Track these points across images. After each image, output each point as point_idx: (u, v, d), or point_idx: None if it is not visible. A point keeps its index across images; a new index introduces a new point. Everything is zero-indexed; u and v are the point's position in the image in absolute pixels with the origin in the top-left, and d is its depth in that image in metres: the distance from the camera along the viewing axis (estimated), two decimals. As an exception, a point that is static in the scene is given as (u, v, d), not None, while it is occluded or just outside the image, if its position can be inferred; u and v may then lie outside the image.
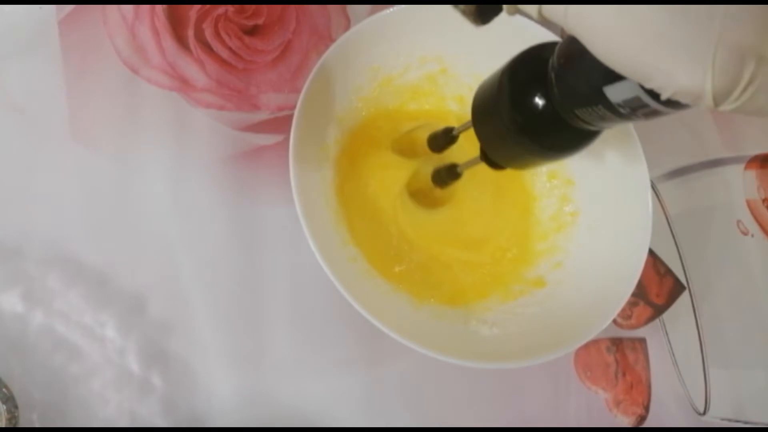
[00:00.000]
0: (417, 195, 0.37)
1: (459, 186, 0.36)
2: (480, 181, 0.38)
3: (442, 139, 0.34)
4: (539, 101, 0.24)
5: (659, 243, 0.42)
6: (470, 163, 0.31)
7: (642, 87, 0.19)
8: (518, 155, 0.27)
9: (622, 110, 0.21)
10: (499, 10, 0.21)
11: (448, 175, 0.34)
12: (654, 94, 0.19)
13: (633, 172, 0.35)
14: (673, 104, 0.19)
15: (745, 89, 0.16)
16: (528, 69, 0.24)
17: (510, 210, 0.39)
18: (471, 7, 0.22)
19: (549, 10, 0.19)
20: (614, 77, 0.19)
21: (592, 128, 0.24)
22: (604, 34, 0.18)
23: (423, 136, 0.36)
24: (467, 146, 0.34)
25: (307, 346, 0.35)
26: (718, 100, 0.17)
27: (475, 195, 0.38)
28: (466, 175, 0.34)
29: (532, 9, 0.19)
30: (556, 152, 0.26)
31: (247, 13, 0.38)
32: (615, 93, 0.20)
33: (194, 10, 0.38)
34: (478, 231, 0.38)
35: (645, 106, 0.20)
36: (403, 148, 0.37)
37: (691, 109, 0.19)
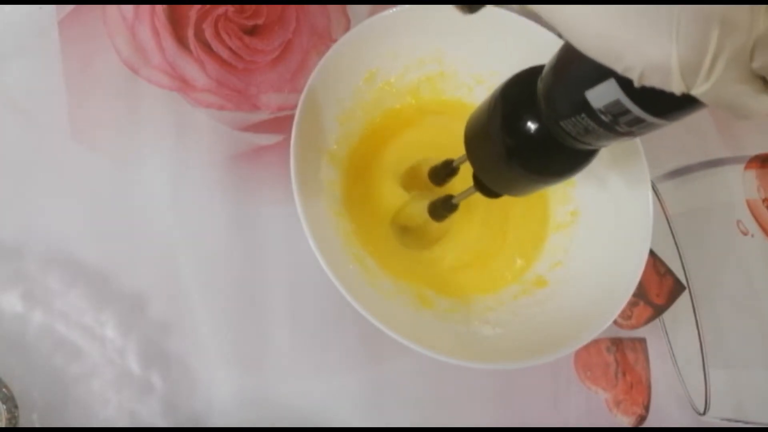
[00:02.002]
0: (406, 232, 0.37)
1: (455, 220, 0.36)
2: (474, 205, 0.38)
3: (443, 171, 0.34)
4: (530, 123, 0.24)
5: (659, 243, 0.42)
6: (466, 194, 0.31)
7: (620, 87, 0.19)
8: (512, 180, 0.27)
9: (604, 117, 0.20)
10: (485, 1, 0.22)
11: (444, 207, 0.34)
12: (633, 95, 0.19)
13: (633, 172, 0.35)
14: (650, 107, 0.19)
15: (714, 60, 0.16)
16: (518, 91, 0.24)
17: (518, 220, 0.39)
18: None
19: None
20: (595, 79, 0.19)
21: (583, 146, 0.24)
22: (575, 12, 0.18)
23: (425, 169, 0.36)
24: (469, 179, 0.34)
25: (307, 346, 0.35)
26: (686, 76, 0.16)
27: (474, 219, 0.38)
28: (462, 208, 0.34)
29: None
30: (549, 176, 0.25)
31: (247, 13, 0.38)
32: (596, 97, 0.20)
33: (194, 10, 0.38)
34: (485, 247, 0.38)
35: (626, 111, 0.19)
36: (405, 182, 0.37)
37: None
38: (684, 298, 0.41)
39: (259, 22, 0.39)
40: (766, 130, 0.47)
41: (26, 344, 0.32)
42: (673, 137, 0.45)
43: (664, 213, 0.43)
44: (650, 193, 0.35)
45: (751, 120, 0.18)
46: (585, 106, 0.21)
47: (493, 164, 0.27)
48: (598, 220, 0.37)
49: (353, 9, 0.41)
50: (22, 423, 0.31)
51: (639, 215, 0.35)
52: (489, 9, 0.36)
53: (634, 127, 0.20)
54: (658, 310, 0.41)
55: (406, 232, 0.37)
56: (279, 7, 0.39)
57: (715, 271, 0.43)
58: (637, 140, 0.35)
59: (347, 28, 0.41)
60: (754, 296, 0.43)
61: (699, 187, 0.44)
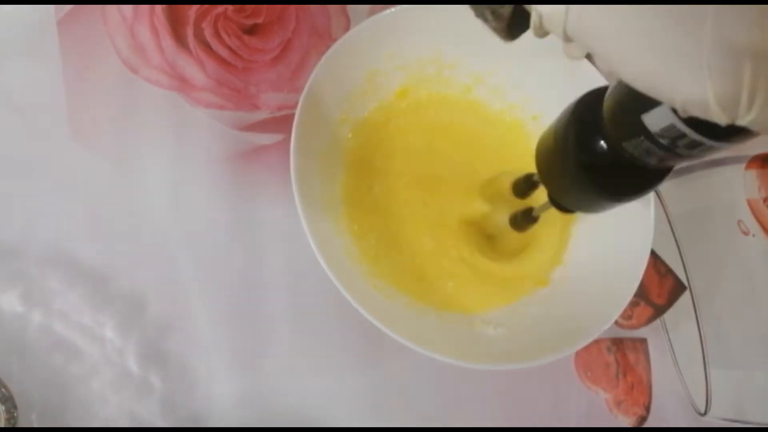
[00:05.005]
0: (489, 242, 0.38)
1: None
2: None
3: (524, 184, 0.34)
4: (600, 142, 0.24)
5: (660, 243, 0.42)
6: (544, 207, 0.32)
7: (673, 112, 0.19)
8: (584, 197, 0.27)
9: (662, 140, 0.21)
10: (527, 28, 0.21)
11: (524, 219, 0.34)
12: (687, 120, 0.19)
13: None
14: (705, 131, 0.19)
15: (753, 93, 0.15)
16: (591, 109, 0.25)
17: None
18: (502, 25, 0.22)
19: (573, 34, 0.18)
20: (649, 104, 0.20)
21: (648, 166, 0.24)
22: (617, 52, 0.17)
23: (506, 182, 0.36)
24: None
25: (307, 346, 0.35)
26: (727, 110, 0.16)
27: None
28: None
29: (557, 29, 0.19)
30: (620, 195, 0.26)
31: (247, 12, 0.38)
32: (652, 121, 0.20)
33: (193, 9, 0.38)
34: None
35: (683, 135, 0.20)
36: (488, 195, 0.38)
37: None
38: (685, 298, 0.41)
39: (259, 21, 0.39)
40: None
41: (25, 344, 0.32)
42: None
43: (665, 213, 0.43)
44: (651, 192, 0.35)
45: None
46: (643, 130, 0.21)
47: (565, 181, 0.27)
48: (598, 220, 0.37)
49: (353, 9, 0.41)
50: (21, 423, 0.31)
51: (640, 215, 0.35)
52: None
53: (695, 150, 0.20)
54: (659, 311, 0.41)
55: (489, 241, 0.38)
56: (278, 6, 0.39)
57: (716, 271, 0.42)
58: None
59: (347, 28, 0.41)
60: (755, 296, 0.43)
61: (700, 186, 0.44)
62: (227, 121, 0.37)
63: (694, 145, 0.20)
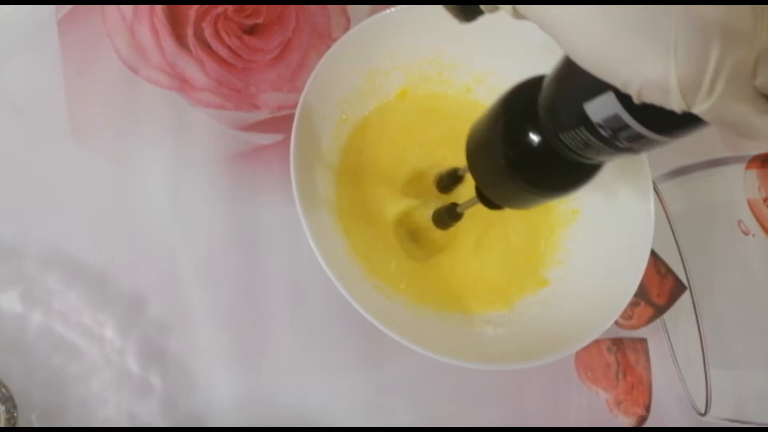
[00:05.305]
0: (413, 240, 0.37)
1: (461, 229, 0.36)
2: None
3: (448, 180, 0.34)
4: (532, 135, 0.23)
5: (660, 243, 0.42)
6: (469, 203, 0.31)
7: (619, 101, 0.18)
8: (513, 193, 0.26)
9: (603, 132, 0.20)
10: (481, 11, 0.21)
11: (448, 215, 0.33)
12: (633, 110, 0.18)
13: (635, 172, 0.35)
14: (650, 123, 0.18)
15: (714, 78, 0.15)
16: (520, 101, 0.24)
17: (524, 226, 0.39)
18: (455, 7, 0.22)
19: (522, 8, 0.18)
20: (593, 92, 0.19)
21: (584, 160, 0.23)
22: (567, 22, 0.17)
23: (431, 177, 0.36)
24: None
25: (307, 346, 0.35)
26: (687, 94, 0.15)
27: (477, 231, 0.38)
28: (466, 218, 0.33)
29: (507, 8, 0.19)
30: (550, 190, 0.25)
31: (247, 12, 0.38)
32: (595, 110, 0.19)
33: (193, 9, 0.37)
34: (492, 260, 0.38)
35: (625, 126, 0.19)
36: (408, 189, 0.37)
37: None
38: (685, 299, 0.41)
39: (259, 21, 0.39)
40: None
41: (25, 344, 0.32)
42: (674, 137, 0.45)
43: (665, 213, 0.43)
44: (651, 192, 0.35)
45: (756, 140, 0.17)
46: (584, 120, 0.20)
47: (494, 176, 0.26)
48: (599, 220, 0.37)
49: (353, 8, 0.41)
50: (21, 423, 0.31)
51: (640, 215, 0.35)
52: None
53: (635, 143, 0.19)
54: (659, 311, 0.41)
55: (412, 239, 0.37)
56: (278, 6, 0.39)
57: (716, 271, 0.42)
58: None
59: (347, 28, 0.41)
60: (755, 296, 0.43)
61: (700, 186, 0.44)
62: (227, 121, 0.37)
63: (635, 138, 0.19)
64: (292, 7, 0.40)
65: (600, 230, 0.37)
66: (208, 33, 0.37)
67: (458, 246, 0.37)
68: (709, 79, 0.15)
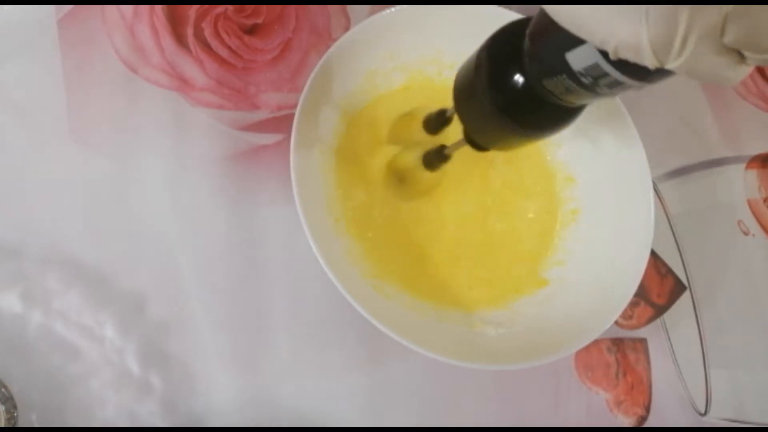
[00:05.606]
0: (401, 177, 0.37)
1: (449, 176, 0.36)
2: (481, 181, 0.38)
3: (436, 121, 0.34)
4: (516, 78, 0.24)
5: (660, 243, 0.42)
6: (457, 145, 0.31)
7: (599, 51, 0.19)
8: (499, 135, 0.27)
9: (584, 79, 0.21)
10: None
11: (436, 157, 0.34)
12: (611, 60, 0.19)
13: (634, 171, 0.35)
14: (629, 72, 0.19)
15: (684, 40, 0.16)
16: (505, 46, 0.24)
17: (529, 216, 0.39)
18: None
19: None
20: (574, 42, 0.20)
21: (566, 104, 0.24)
22: None
23: (418, 120, 0.36)
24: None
25: (307, 346, 0.35)
26: (659, 54, 0.16)
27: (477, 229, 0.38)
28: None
29: None
30: (535, 131, 0.25)
31: (247, 12, 0.38)
32: (576, 59, 0.20)
33: (193, 9, 0.37)
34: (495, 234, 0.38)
35: (605, 74, 0.20)
36: (399, 136, 0.37)
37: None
38: (685, 299, 0.41)
39: (259, 21, 0.39)
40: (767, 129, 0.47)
41: (25, 344, 0.32)
42: (674, 137, 0.45)
43: (665, 213, 0.43)
44: (651, 192, 0.35)
45: (731, 86, 0.19)
46: (565, 68, 0.21)
47: (482, 120, 0.27)
48: (599, 220, 0.37)
49: (353, 8, 0.41)
50: (21, 423, 0.31)
51: (640, 215, 0.35)
52: (488, 7, 0.36)
53: (615, 88, 0.20)
54: (659, 311, 0.41)
55: (400, 181, 0.37)
56: (278, 6, 0.39)
57: (716, 271, 0.42)
58: (639, 140, 0.35)
59: (347, 28, 0.41)
60: (756, 296, 0.43)
61: (700, 186, 0.44)
62: (227, 121, 0.37)
63: (615, 84, 0.20)
64: (292, 7, 0.40)
65: (600, 230, 0.37)
66: (208, 33, 0.37)
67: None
68: (680, 41, 0.16)
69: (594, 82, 0.20)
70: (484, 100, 0.25)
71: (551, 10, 0.19)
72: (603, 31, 0.17)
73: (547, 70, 0.22)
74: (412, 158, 0.36)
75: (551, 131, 0.26)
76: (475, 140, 0.29)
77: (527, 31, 0.23)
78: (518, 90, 0.24)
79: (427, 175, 0.36)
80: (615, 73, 0.19)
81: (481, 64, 0.25)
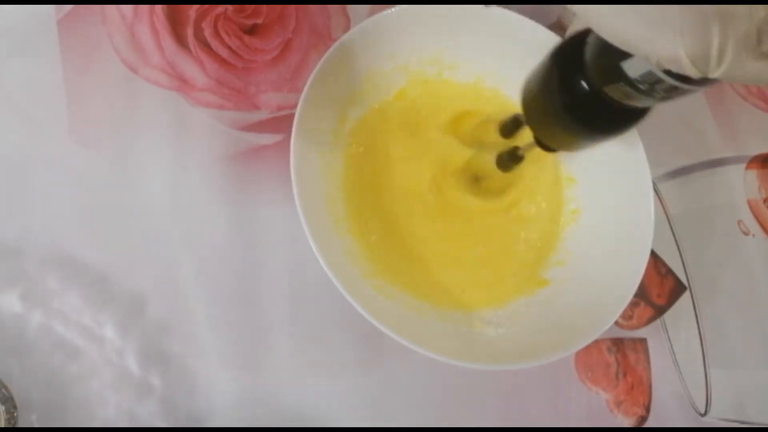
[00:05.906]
0: (477, 176, 0.39)
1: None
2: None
3: (511, 125, 0.35)
4: (582, 84, 0.25)
5: (660, 243, 0.42)
6: (530, 146, 0.33)
7: None
8: (568, 136, 0.28)
9: (641, 86, 0.22)
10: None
11: (510, 158, 0.35)
12: (665, 70, 0.20)
13: (634, 172, 0.35)
14: (682, 77, 0.20)
15: (721, 51, 0.17)
16: (573, 52, 0.26)
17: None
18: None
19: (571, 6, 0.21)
20: (627, 53, 0.21)
21: (631, 107, 0.25)
22: (599, 14, 0.19)
23: (490, 126, 0.37)
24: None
25: (307, 347, 0.35)
26: (699, 65, 0.18)
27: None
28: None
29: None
30: (602, 132, 0.27)
31: (247, 12, 0.38)
32: (631, 68, 0.22)
33: (193, 9, 0.38)
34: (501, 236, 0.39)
35: (660, 81, 0.21)
36: (474, 139, 0.39)
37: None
38: (685, 299, 0.41)
39: (259, 21, 0.39)
40: (768, 129, 0.47)
41: (25, 344, 0.32)
42: (674, 137, 0.45)
43: (665, 213, 0.43)
44: (651, 192, 0.35)
45: None
46: (622, 76, 0.22)
47: (550, 121, 0.28)
48: (599, 220, 0.37)
49: (353, 8, 0.41)
50: (21, 423, 0.31)
51: (640, 215, 0.35)
52: (489, 8, 0.36)
53: (673, 93, 0.21)
54: (659, 311, 0.41)
55: (476, 181, 0.39)
56: (278, 6, 0.39)
57: (716, 272, 0.42)
58: (639, 140, 0.35)
59: (347, 28, 0.41)
60: (756, 296, 0.43)
61: (700, 187, 0.44)
62: (227, 121, 0.37)
63: (672, 89, 0.21)
64: (292, 7, 0.40)
65: (600, 230, 0.37)
66: (208, 33, 0.37)
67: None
68: (717, 52, 0.17)
69: (651, 88, 0.22)
70: (553, 102, 0.27)
71: (595, 27, 0.20)
72: (644, 47, 0.19)
73: (606, 78, 0.24)
74: (487, 159, 0.37)
75: (618, 132, 0.27)
76: (543, 142, 0.31)
77: (587, 42, 0.25)
78: (584, 94, 0.25)
79: (501, 175, 0.37)
80: (669, 80, 0.20)
81: (552, 68, 0.27)
